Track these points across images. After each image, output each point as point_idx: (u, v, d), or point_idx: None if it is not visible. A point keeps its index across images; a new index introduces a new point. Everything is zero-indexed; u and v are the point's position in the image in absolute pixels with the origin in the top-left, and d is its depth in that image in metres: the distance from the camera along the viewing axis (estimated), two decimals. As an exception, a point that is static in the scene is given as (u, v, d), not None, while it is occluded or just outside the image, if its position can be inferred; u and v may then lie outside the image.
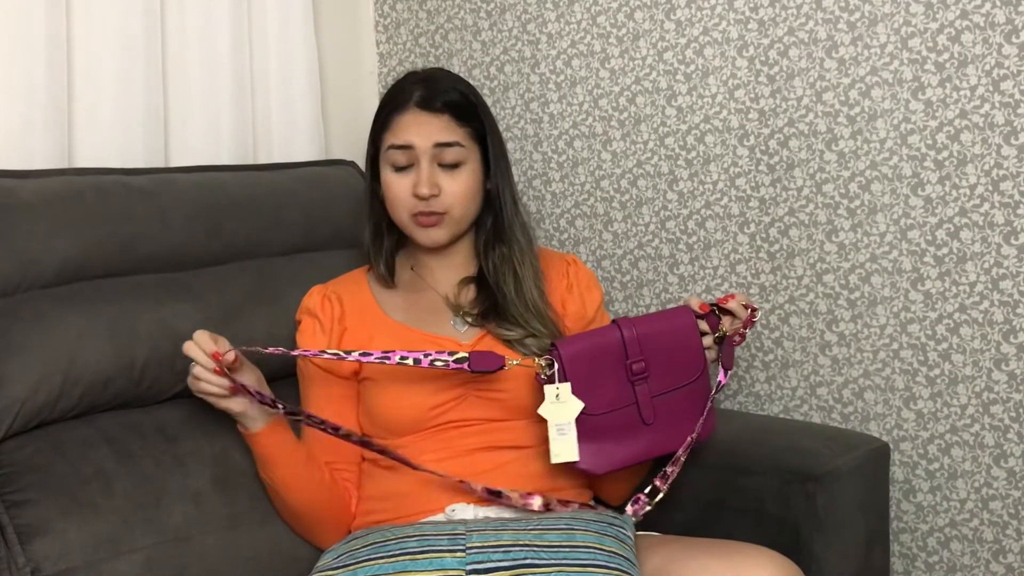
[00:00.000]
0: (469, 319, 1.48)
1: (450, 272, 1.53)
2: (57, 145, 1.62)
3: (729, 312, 1.40)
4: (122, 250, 1.51)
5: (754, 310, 1.41)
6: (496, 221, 1.51)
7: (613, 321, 1.39)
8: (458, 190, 1.45)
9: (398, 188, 1.45)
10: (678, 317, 1.39)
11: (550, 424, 1.34)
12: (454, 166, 1.44)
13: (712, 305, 1.41)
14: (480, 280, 1.52)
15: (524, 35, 1.95)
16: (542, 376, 1.35)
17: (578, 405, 1.34)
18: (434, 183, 1.43)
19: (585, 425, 1.35)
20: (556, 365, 1.34)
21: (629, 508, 1.37)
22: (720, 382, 1.41)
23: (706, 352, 1.40)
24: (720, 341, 1.41)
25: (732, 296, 1.40)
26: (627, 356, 1.36)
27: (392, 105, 1.47)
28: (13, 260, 1.41)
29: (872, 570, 1.55)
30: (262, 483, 1.43)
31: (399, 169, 1.45)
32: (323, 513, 1.43)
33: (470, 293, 1.51)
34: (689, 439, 1.38)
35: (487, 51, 2.01)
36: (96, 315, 1.41)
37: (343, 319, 1.48)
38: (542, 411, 1.34)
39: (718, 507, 1.50)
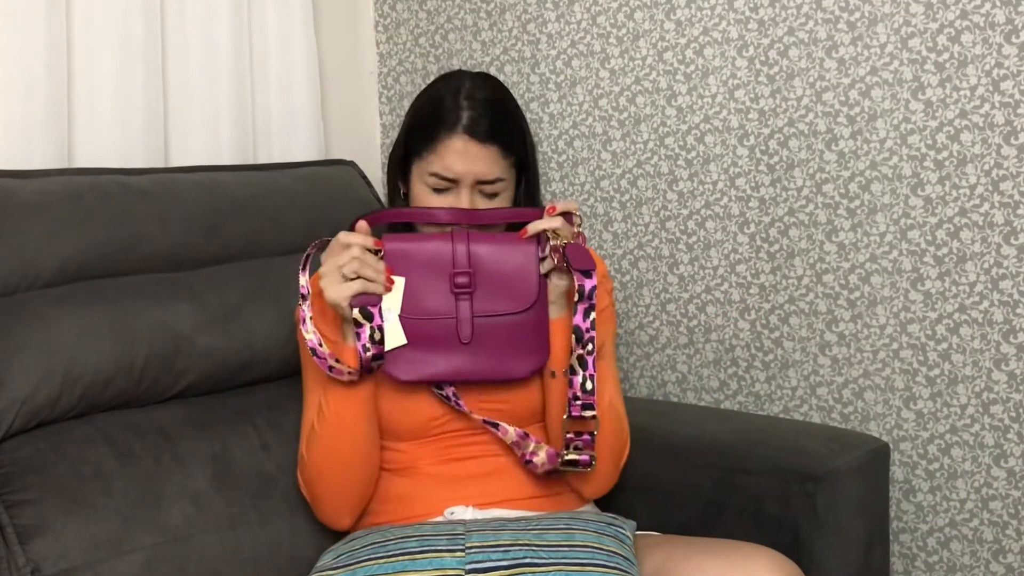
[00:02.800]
0: None
1: None
2: (57, 145, 1.62)
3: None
4: (122, 250, 1.51)
5: (572, 215, 1.33)
6: None
7: (451, 229, 1.36)
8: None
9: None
10: (521, 243, 1.35)
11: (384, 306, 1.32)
12: (492, 195, 1.43)
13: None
14: None
15: (524, 35, 1.95)
16: None
17: (397, 300, 1.32)
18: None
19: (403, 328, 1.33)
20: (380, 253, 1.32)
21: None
22: (583, 286, 1.26)
23: (552, 276, 1.34)
24: (558, 252, 1.31)
25: (554, 208, 1.34)
26: (453, 266, 1.34)
27: (439, 121, 1.41)
28: (13, 260, 1.41)
29: (872, 570, 1.54)
30: (324, 433, 1.35)
31: (436, 191, 1.42)
32: (366, 476, 1.39)
33: None
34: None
35: (487, 51, 2.01)
36: (96, 315, 1.41)
37: None
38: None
39: (718, 507, 1.50)
